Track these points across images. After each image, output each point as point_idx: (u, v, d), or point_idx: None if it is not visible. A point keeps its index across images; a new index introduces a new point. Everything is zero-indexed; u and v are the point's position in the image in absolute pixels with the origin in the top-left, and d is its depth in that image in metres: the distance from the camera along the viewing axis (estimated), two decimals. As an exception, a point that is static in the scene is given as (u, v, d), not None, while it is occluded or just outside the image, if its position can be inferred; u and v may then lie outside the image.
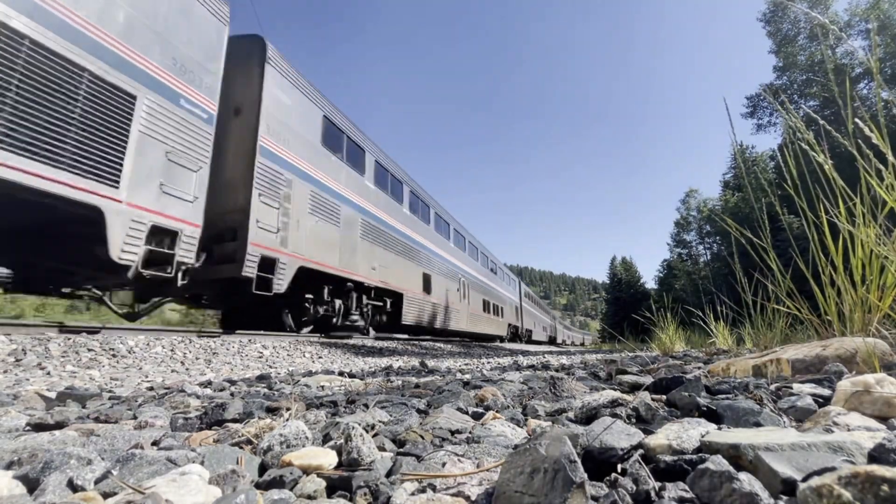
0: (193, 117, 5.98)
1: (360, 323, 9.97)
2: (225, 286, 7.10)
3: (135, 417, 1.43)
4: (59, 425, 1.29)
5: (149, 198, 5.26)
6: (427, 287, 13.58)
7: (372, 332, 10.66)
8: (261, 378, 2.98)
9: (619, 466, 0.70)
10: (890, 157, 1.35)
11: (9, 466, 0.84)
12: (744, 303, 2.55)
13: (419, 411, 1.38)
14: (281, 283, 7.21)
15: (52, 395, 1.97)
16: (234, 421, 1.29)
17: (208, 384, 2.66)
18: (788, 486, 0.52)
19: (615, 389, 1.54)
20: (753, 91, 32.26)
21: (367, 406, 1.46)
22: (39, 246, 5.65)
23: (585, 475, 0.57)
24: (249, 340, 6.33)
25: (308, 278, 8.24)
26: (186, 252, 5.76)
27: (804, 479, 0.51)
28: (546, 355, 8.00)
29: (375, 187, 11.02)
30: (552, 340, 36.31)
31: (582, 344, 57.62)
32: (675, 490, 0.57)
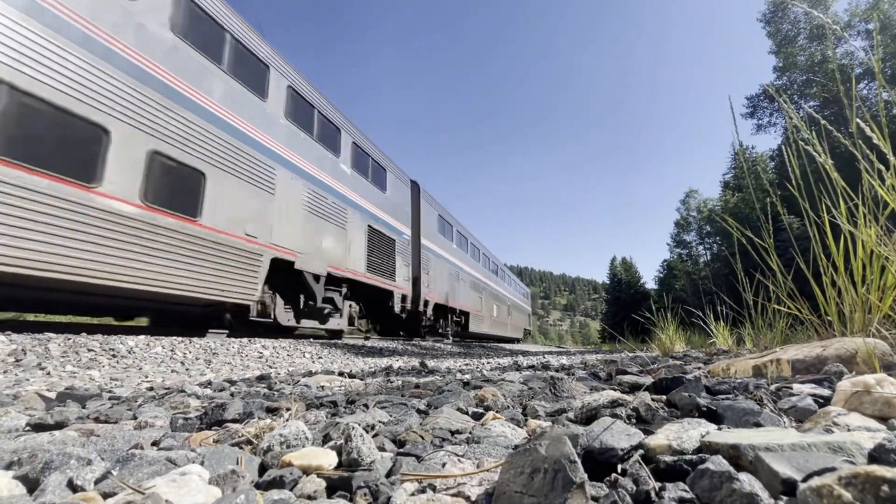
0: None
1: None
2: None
3: (135, 418, 1.43)
4: (59, 425, 1.29)
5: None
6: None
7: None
8: (261, 378, 2.98)
9: (620, 467, 0.69)
10: (891, 158, 1.35)
11: (9, 466, 0.84)
12: (744, 303, 2.55)
13: (419, 411, 1.38)
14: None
15: (52, 395, 1.97)
16: (234, 421, 1.29)
17: (208, 384, 2.66)
18: (788, 487, 0.52)
19: (615, 390, 1.53)
20: (752, 92, 32.29)
21: (366, 406, 1.46)
22: None
23: (585, 475, 0.57)
24: (249, 341, 6.33)
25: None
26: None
27: (804, 480, 0.51)
28: (546, 356, 8.00)
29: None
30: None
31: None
32: (675, 490, 0.57)
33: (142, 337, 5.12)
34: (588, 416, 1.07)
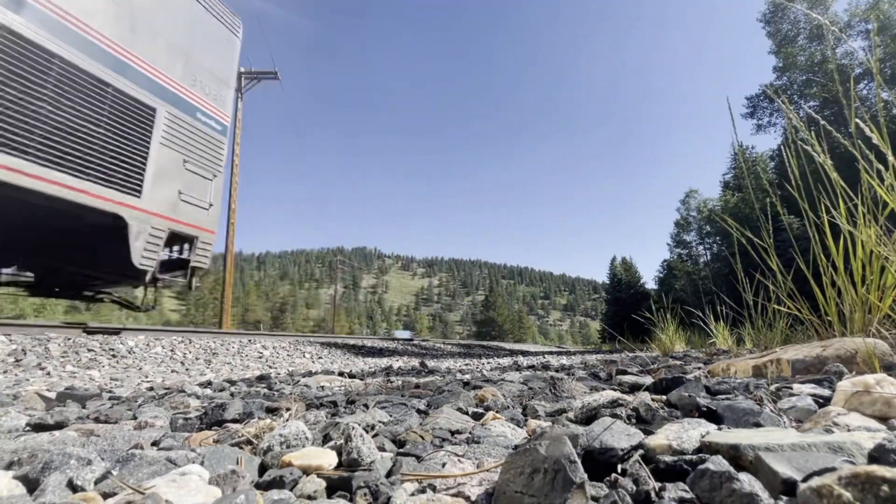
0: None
1: None
2: None
3: (135, 418, 1.43)
4: (59, 425, 1.29)
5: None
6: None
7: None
8: (261, 378, 2.98)
9: (620, 467, 0.69)
10: (890, 158, 1.35)
11: (9, 466, 0.84)
12: (744, 303, 2.55)
13: (419, 411, 1.38)
14: None
15: (52, 395, 1.97)
16: (234, 421, 1.29)
17: (208, 384, 2.66)
18: (788, 487, 0.52)
19: (615, 390, 1.53)
20: (752, 92, 32.26)
21: (367, 406, 1.46)
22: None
23: (585, 475, 0.57)
24: (249, 341, 6.33)
25: None
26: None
27: (804, 480, 0.51)
28: (546, 356, 8.00)
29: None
30: None
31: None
32: (675, 490, 0.57)
33: (142, 337, 5.12)
34: (588, 416, 1.07)
